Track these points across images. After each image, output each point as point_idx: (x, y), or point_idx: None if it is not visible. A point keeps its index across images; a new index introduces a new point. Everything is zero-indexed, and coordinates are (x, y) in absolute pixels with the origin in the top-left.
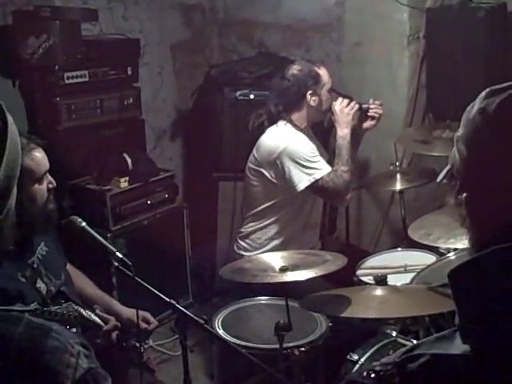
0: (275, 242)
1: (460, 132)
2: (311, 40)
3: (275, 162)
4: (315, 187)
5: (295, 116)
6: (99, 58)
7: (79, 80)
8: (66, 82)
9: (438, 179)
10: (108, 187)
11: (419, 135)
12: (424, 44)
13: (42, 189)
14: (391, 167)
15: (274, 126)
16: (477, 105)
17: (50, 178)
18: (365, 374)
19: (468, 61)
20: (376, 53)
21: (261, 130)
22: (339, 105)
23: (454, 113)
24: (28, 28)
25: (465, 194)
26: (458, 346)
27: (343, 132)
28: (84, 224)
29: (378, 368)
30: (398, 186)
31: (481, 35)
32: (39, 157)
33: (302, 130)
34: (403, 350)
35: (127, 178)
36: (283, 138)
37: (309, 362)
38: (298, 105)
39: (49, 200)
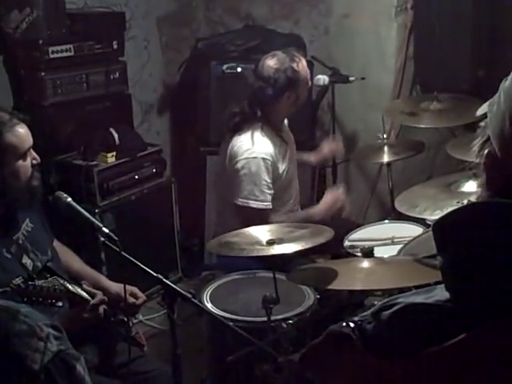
0: None
1: (506, 82)
2: (299, 12)
3: (230, 168)
4: (241, 210)
5: (272, 114)
6: (84, 32)
7: (64, 54)
8: (51, 56)
9: (478, 113)
10: (95, 162)
11: (407, 107)
12: (412, 15)
13: (26, 165)
14: (379, 139)
15: (248, 132)
16: None
17: (33, 153)
18: (344, 324)
19: (455, 32)
20: (364, 25)
21: (236, 130)
22: (334, 194)
23: (442, 85)
24: (11, 1)
25: (488, 149)
26: (434, 296)
27: (320, 213)
28: (70, 199)
29: (356, 319)
30: (386, 159)
31: (468, 6)
32: (22, 132)
33: (277, 130)
34: (382, 301)
35: (114, 153)
36: (246, 149)
37: (297, 334)
38: (274, 103)
39: (33, 176)
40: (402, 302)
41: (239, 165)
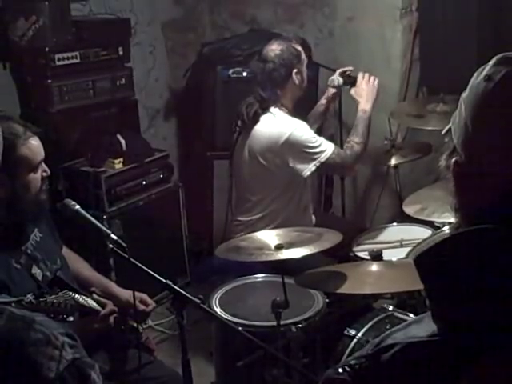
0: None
1: (465, 93)
2: (303, 15)
3: (278, 152)
4: (322, 168)
5: (284, 98)
6: (90, 39)
7: (70, 61)
8: (57, 63)
9: (443, 132)
10: (102, 169)
11: (413, 109)
12: (417, 17)
13: (37, 177)
14: (386, 142)
15: (269, 115)
16: (485, 70)
17: (44, 166)
18: (340, 369)
19: (460, 33)
20: (369, 27)
21: (256, 119)
22: (363, 78)
23: (448, 86)
24: (17, 10)
25: (454, 158)
26: (425, 331)
27: (366, 106)
28: (78, 207)
29: (352, 362)
30: (393, 161)
31: (473, 7)
32: (35, 145)
33: (290, 113)
34: (376, 341)
35: (121, 159)
36: (284, 126)
37: (306, 338)
38: (284, 86)
39: (42, 189)
40: (399, 342)
41: (292, 138)
